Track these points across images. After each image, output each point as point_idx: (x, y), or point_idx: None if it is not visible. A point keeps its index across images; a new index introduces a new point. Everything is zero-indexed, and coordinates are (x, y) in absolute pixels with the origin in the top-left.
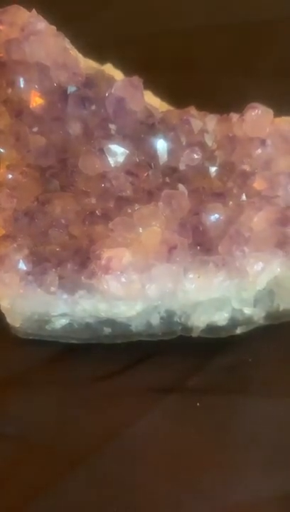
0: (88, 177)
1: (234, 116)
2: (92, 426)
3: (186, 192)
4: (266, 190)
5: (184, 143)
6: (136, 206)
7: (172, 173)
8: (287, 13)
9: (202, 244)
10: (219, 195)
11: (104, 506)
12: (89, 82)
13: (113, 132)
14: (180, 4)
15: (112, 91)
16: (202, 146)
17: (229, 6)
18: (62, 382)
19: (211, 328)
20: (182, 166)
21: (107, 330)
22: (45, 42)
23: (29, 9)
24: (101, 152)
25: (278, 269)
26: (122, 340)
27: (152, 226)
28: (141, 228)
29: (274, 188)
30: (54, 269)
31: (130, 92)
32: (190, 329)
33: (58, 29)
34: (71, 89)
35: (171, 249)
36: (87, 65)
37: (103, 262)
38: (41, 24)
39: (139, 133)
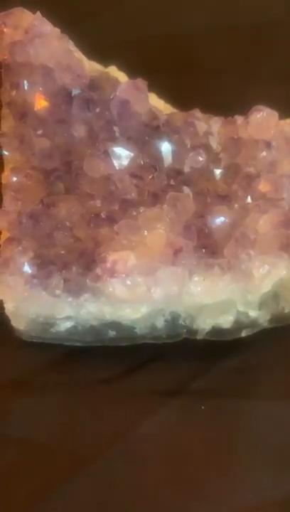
0: (93, 179)
1: (239, 119)
2: (96, 429)
3: (191, 194)
4: (271, 193)
5: (189, 145)
6: (141, 209)
7: (177, 176)
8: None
9: (207, 246)
10: (224, 198)
11: (107, 509)
12: (94, 84)
13: (117, 135)
14: (184, 6)
15: (117, 93)
16: (207, 148)
17: (234, 8)
18: (66, 384)
19: (216, 330)
20: (187, 169)
21: (112, 333)
22: (50, 44)
23: (33, 11)
24: (106, 155)
25: (284, 272)
26: (127, 343)
27: (157, 229)
28: (146, 231)
29: (278, 190)
30: (59, 272)
31: (134, 95)
32: (195, 332)
33: (62, 31)
34: (75, 91)
35: (176, 251)
36: (91, 67)
37: (108, 265)
38: (45, 26)
39: (144, 135)
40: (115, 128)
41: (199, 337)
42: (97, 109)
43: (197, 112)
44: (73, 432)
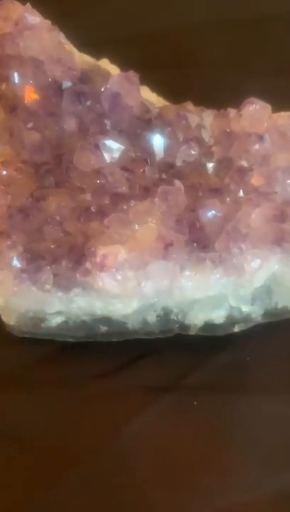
0: (83, 173)
1: (232, 112)
2: (88, 424)
3: (183, 188)
4: (263, 186)
5: (181, 138)
6: (132, 202)
7: (168, 169)
8: (285, 10)
9: (198, 241)
10: (216, 192)
11: (101, 505)
12: (85, 77)
13: (109, 128)
14: (178, 0)
15: (108, 86)
16: (199, 141)
17: (227, 2)
18: (58, 380)
19: (208, 326)
20: (178, 162)
21: (103, 328)
22: (40, 36)
23: (23, 3)
24: (97, 148)
25: (276, 266)
26: (118, 339)
27: (148, 222)
28: (136, 225)
29: (271, 184)
30: (48, 267)
31: (126, 87)
32: (187, 327)
33: (53, 24)
34: (66, 84)
35: (167, 246)
36: (82, 59)
37: (98, 259)
38: (36, 18)
39: (135, 128)
40: (106, 121)
41: (191, 332)
42: (88, 102)
43: (189, 105)
44: (65, 428)
